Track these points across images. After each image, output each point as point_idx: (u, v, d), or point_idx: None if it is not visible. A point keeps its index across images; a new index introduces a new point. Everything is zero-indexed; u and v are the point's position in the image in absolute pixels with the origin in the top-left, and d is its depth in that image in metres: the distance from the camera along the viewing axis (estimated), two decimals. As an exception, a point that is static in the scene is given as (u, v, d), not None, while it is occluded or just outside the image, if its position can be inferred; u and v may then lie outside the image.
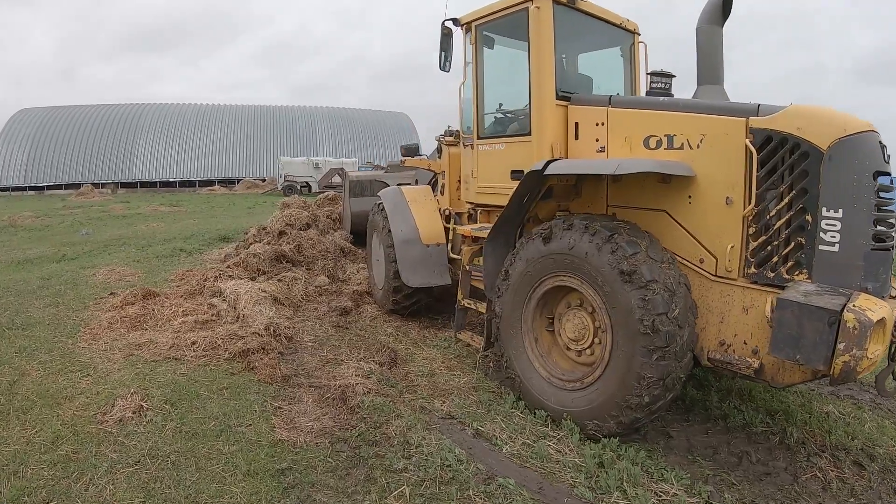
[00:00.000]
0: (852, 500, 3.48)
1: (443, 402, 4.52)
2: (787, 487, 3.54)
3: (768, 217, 3.55)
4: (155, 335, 5.77)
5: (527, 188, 4.34)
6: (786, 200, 3.48)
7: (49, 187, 40.68)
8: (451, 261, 6.56)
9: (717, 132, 3.79)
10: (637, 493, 3.29)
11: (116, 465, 3.44)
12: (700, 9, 4.71)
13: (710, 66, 4.67)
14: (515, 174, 5.04)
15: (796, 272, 3.46)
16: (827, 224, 3.33)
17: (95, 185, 37.94)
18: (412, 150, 7.50)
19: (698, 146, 3.89)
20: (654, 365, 3.53)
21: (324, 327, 6.50)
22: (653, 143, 4.19)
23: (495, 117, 5.58)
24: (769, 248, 3.57)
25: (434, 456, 3.59)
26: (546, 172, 4.04)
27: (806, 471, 3.71)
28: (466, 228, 5.40)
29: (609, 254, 3.72)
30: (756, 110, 3.63)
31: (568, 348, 4.33)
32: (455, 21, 5.64)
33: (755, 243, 3.61)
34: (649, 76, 4.97)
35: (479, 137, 5.52)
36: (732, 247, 3.71)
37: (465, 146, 5.87)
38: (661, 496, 3.35)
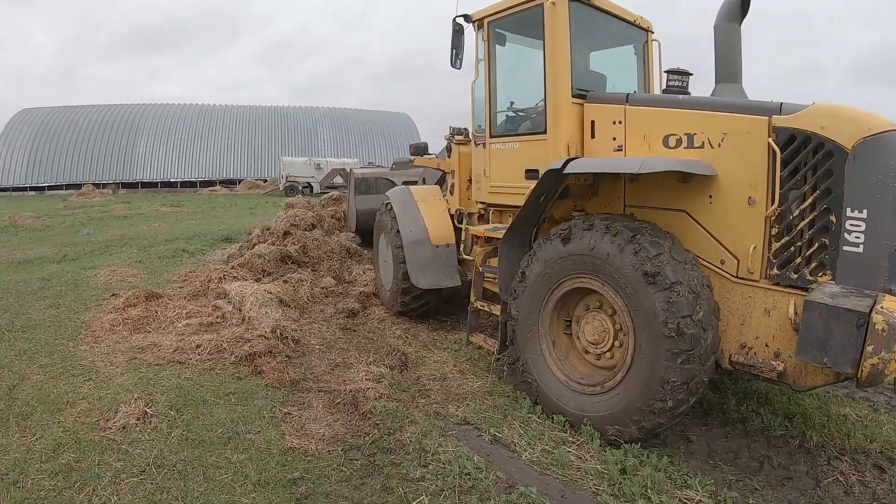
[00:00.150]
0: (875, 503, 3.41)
1: (457, 408, 4.39)
2: (810, 492, 3.48)
3: (791, 217, 3.49)
4: (158, 338, 5.63)
5: (544, 187, 4.21)
6: (809, 201, 3.40)
7: (50, 187, 40.53)
8: (460, 262, 6.43)
9: (738, 131, 3.71)
10: (662, 501, 3.20)
11: (120, 474, 3.30)
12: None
13: (728, 63, 4.60)
14: (530, 173, 4.92)
15: (820, 273, 3.38)
16: (851, 224, 3.25)
17: (96, 185, 37.84)
18: (421, 150, 7.37)
19: (719, 145, 3.81)
20: (679, 369, 3.43)
21: (331, 329, 6.36)
22: (672, 141, 4.09)
23: (508, 115, 5.45)
24: (792, 248, 3.50)
25: (452, 464, 3.47)
26: (566, 171, 3.90)
27: (827, 475, 3.65)
28: (479, 229, 5.27)
29: (632, 255, 3.62)
30: (779, 109, 3.56)
31: (587, 351, 4.21)
32: (466, 17, 5.51)
33: (778, 244, 3.54)
34: (666, 74, 4.84)
35: (491, 136, 5.39)
36: (755, 248, 3.63)
37: (476, 145, 5.74)
38: (685, 503, 3.25)
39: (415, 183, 9.35)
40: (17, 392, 4.43)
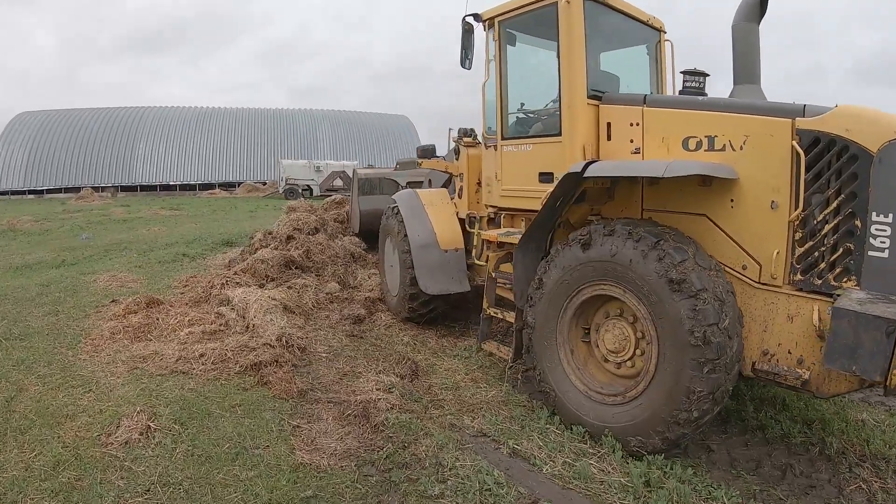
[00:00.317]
0: (898, 510, 3.35)
1: (473, 419, 4.24)
2: (834, 501, 3.43)
3: (815, 222, 3.43)
4: (160, 346, 5.47)
5: (562, 191, 4.07)
6: (834, 205, 3.34)
7: (49, 191, 40.30)
8: (468, 266, 6.29)
9: (761, 133, 3.63)
10: (689, 514, 3.07)
11: (124, 493, 3.15)
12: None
13: (746, 64, 4.50)
14: (544, 176, 4.80)
15: (844, 279, 3.31)
16: (877, 229, 3.19)
17: (95, 188, 37.59)
18: (429, 152, 7.22)
19: (741, 148, 3.72)
20: (705, 378, 3.33)
21: (337, 337, 6.21)
22: (692, 144, 3.99)
23: (520, 117, 5.31)
24: (816, 254, 3.43)
25: (471, 479, 3.34)
26: (586, 174, 3.76)
27: (849, 482, 3.60)
28: (492, 233, 5.12)
29: (656, 261, 3.51)
30: (802, 111, 3.49)
31: (606, 360, 4.08)
32: (476, 17, 5.38)
33: (801, 249, 3.47)
34: (682, 75, 4.73)
35: (503, 138, 5.25)
36: (778, 253, 3.55)
37: (487, 147, 5.60)
38: (712, 516, 3.15)
39: (420, 184, 9.21)
40: (14, 404, 4.27)
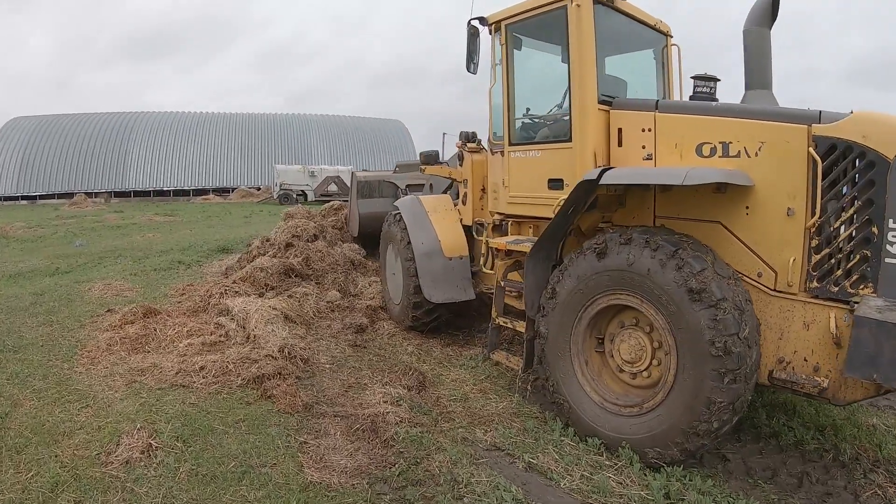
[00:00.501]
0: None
1: (485, 432, 4.13)
2: None
3: (831, 229, 3.40)
4: (159, 358, 5.32)
5: (575, 199, 3.97)
6: (850, 211, 3.32)
7: (42, 196, 40.01)
8: (473, 274, 6.18)
9: (777, 140, 3.59)
10: (711, 526, 2.99)
11: (126, 517, 3.01)
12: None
13: (758, 69, 4.44)
14: (553, 183, 4.71)
15: (861, 286, 3.29)
16: (893, 236, 3.19)
17: (88, 194, 37.37)
18: (432, 158, 7.10)
19: (756, 154, 3.68)
20: (726, 389, 3.29)
21: (340, 347, 6.08)
22: (706, 150, 3.93)
23: (528, 122, 5.21)
24: (832, 261, 3.41)
25: (488, 496, 3.24)
26: (602, 182, 3.67)
27: (865, 488, 3.58)
28: (501, 241, 5.02)
29: (674, 270, 3.44)
30: (818, 117, 3.46)
31: (621, 370, 4.00)
32: (482, 20, 5.29)
33: (818, 256, 3.44)
34: (693, 80, 4.65)
35: (510, 144, 5.15)
36: (794, 260, 3.51)
37: (493, 153, 5.51)
38: (734, 527, 3.08)
39: (420, 187, 9.10)
40: (9, 421, 4.11)
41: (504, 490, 3.29)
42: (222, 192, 42.37)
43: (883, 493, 3.51)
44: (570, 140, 4.53)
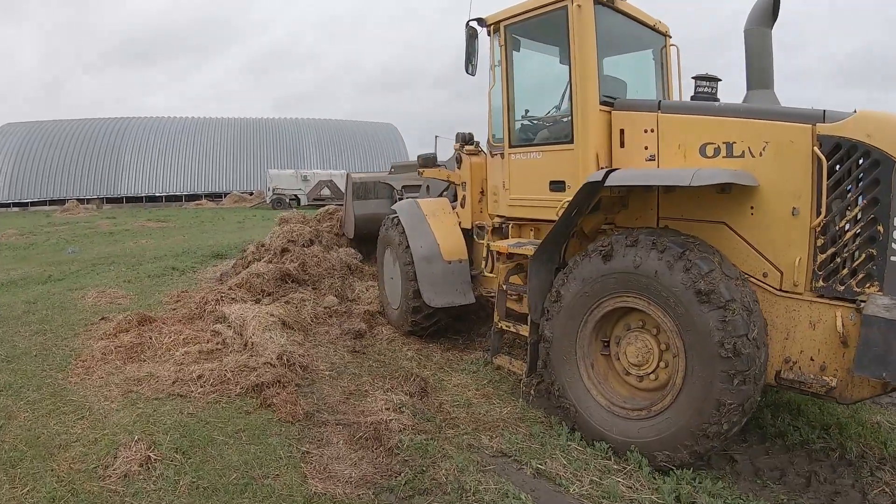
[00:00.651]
0: (922, 512, 3.35)
1: (491, 438, 4.07)
2: None
3: (836, 228, 3.40)
4: (155, 367, 5.23)
5: (579, 201, 3.93)
6: (855, 210, 3.33)
7: (33, 203, 39.63)
8: (472, 277, 6.12)
9: (781, 140, 3.58)
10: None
11: (126, 533, 2.93)
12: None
13: (760, 69, 4.43)
14: (555, 185, 4.67)
15: (867, 284, 3.28)
16: None
17: (80, 200, 37.08)
18: (430, 161, 7.04)
19: (761, 154, 3.67)
20: (736, 391, 3.27)
21: (339, 353, 6.00)
22: (710, 150, 3.92)
23: (529, 124, 5.17)
24: (838, 260, 3.41)
25: None
26: (608, 183, 3.63)
27: (873, 486, 3.59)
28: (503, 244, 4.96)
29: (682, 272, 3.41)
30: (822, 116, 3.46)
31: (628, 373, 3.96)
32: (480, 21, 5.25)
33: (823, 256, 3.44)
34: (694, 80, 4.63)
35: (510, 146, 5.10)
36: (800, 259, 3.50)
37: (493, 155, 5.46)
38: (746, 529, 3.04)
39: (416, 188, 9.03)
40: (3, 434, 4.02)
41: (513, 497, 3.24)
42: (215, 197, 42.10)
43: (891, 491, 3.51)
44: (571, 141, 4.50)
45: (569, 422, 4.15)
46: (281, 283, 7.78)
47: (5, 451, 3.77)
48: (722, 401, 3.28)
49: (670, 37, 5.52)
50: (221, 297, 7.14)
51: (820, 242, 3.45)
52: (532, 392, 4.81)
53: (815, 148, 3.39)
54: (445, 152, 9.50)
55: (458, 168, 6.39)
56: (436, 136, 17.86)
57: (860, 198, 3.33)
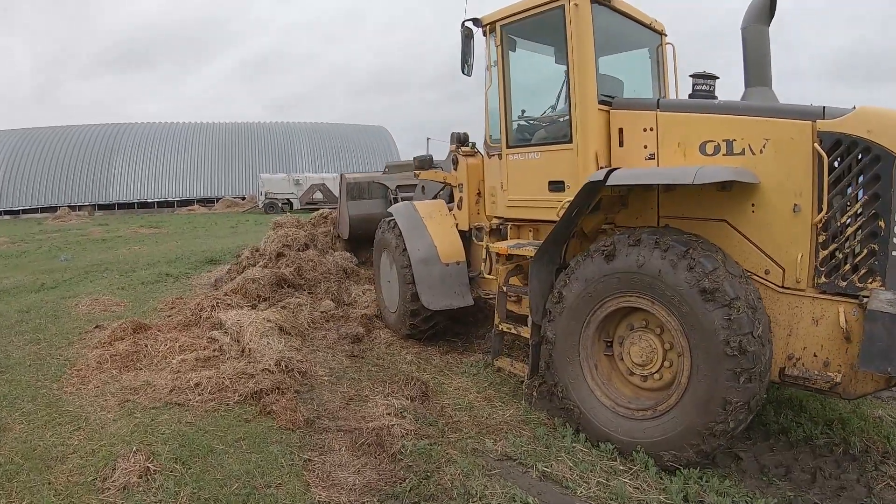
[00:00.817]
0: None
1: (495, 441, 4.02)
2: (865, 501, 3.42)
3: (838, 224, 3.40)
4: (151, 376, 5.15)
5: (580, 200, 3.90)
6: (856, 206, 3.33)
7: (25, 211, 39.29)
8: (470, 279, 6.08)
9: (781, 137, 3.58)
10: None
11: (126, 546, 2.86)
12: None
13: (758, 66, 4.42)
14: (554, 185, 4.64)
15: (869, 280, 3.29)
16: None
17: (72, 207, 36.78)
18: (426, 163, 6.99)
19: (761, 151, 3.66)
20: (741, 389, 3.26)
21: (337, 358, 5.94)
22: (710, 148, 3.91)
23: (526, 124, 5.14)
24: (840, 255, 3.41)
25: (505, 508, 3.11)
26: (609, 183, 3.60)
27: (878, 480, 3.60)
28: (502, 246, 4.93)
29: (686, 271, 3.39)
30: (822, 113, 3.46)
31: (631, 373, 3.93)
32: (476, 21, 5.22)
33: (825, 252, 3.44)
34: (692, 78, 4.62)
35: (508, 146, 5.07)
36: (802, 256, 3.50)
37: (490, 156, 5.43)
38: (754, 527, 3.02)
39: (411, 188, 8.98)
40: (-2, 446, 3.94)
41: (521, 501, 3.21)
42: (207, 202, 41.89)
43: (895, 485, 3.52)
44: (570, 141, 4.48)
45: (573, 423, 4.12)
46: (277, 287, 7.71)
47: (1, 464, 3.69)
48: (728, 399, 3.27)
49: (666, 35, 5.51)
50: (217, 303, 7.06)
51: (821, 239, 3.45)
52: (534, 394, 4.77)
53: (816, 144, 3.39)
54: (438, 154, 9.45)
55: (455, 170, 6.35)
56: (427, 139, 17.85)
57: (861, 193, 3.34)
